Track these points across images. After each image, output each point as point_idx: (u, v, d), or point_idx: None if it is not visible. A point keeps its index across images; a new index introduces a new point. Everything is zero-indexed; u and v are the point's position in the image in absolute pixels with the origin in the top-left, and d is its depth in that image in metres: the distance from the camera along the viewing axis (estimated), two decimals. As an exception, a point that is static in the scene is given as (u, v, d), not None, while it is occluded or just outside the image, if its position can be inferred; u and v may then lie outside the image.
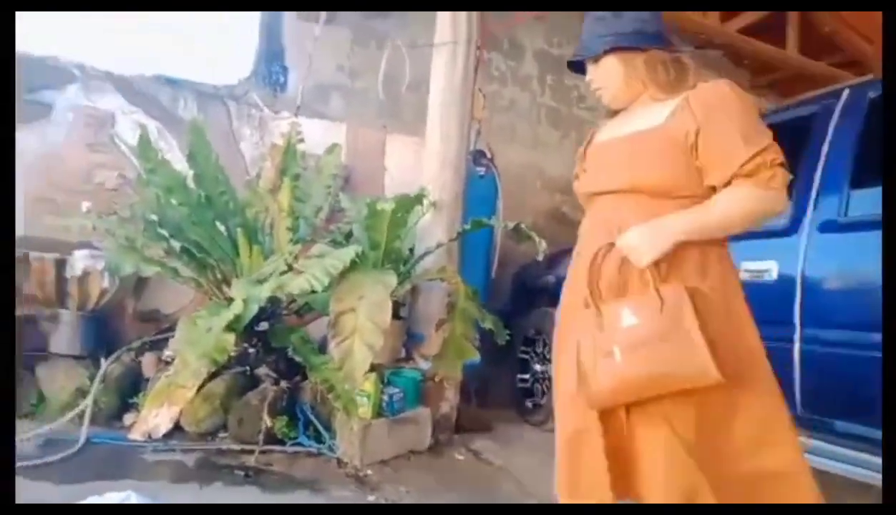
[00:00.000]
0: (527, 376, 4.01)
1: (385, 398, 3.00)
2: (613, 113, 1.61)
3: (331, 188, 3.83)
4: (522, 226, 3.22)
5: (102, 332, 3.60)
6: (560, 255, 3.75)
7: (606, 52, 1.50)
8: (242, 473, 2.72)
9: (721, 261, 1.44)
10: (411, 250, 3.46)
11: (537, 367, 3.94)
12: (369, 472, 2.84)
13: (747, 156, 1.33)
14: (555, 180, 5.05)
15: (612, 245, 1.43)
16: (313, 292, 2.67)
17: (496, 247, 3.89)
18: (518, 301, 4.13)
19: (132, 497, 2.08)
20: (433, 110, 3.53)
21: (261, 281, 3.17)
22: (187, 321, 2.86)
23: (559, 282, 3.75)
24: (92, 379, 3.35)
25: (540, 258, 3.23)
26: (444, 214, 3.34)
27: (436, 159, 3.48)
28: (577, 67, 1.63)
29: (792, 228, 2.44)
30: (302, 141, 3.72)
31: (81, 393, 3.30)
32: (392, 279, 2.72)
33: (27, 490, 2.38)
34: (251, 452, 2.94)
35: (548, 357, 3.84)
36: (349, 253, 2.68)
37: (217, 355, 2.76)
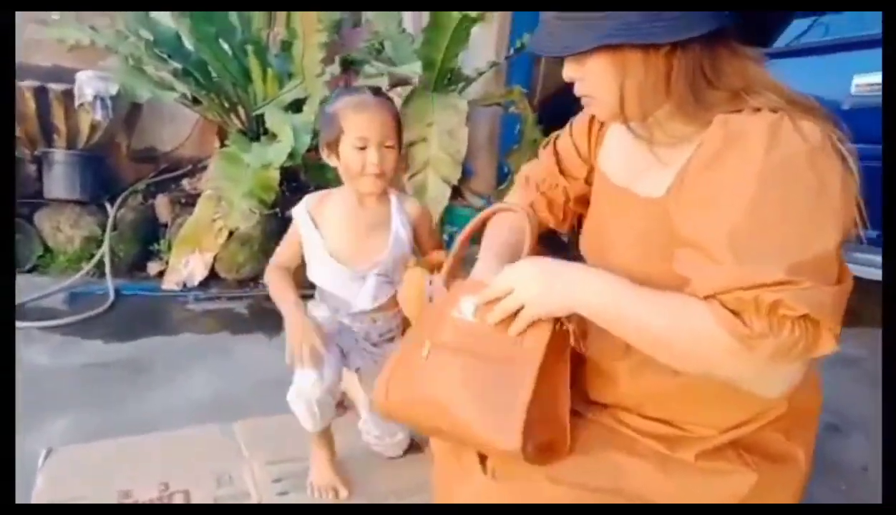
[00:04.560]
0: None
1: (446, 238, 2.79)
2: None
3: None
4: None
5: (100, 174, 3.15)
6: None
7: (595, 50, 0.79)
8: (308, 320, 2.53)
9: None
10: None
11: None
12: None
13: (736, 283, 0.72)
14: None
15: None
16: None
17: (540, 68, 3.49)
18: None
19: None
20: None
21: (287, 109, 2.80)
22: (223, 157, 2.50)
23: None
24: (102, 226, 2.98)
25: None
26: (494, 26, 2.91)
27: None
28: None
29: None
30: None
31: (93, 242, 2.95)
32: (462, 104, 2.40)
33: (75, 350, 2.14)
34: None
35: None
36: (414, 70, 2.30)
37: (263, 194, 2.46)
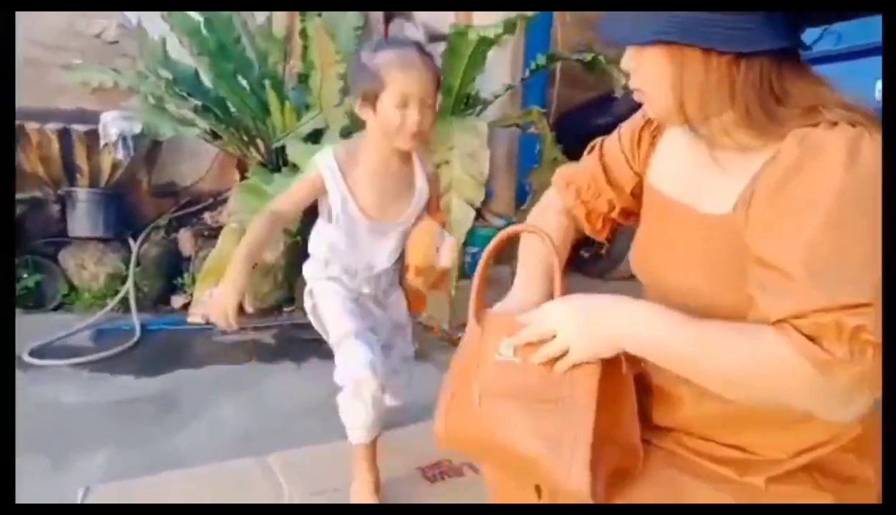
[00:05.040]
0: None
1: (468, 258, 2.78)
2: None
3: (360, 29, 3.32)
4: (601, 58, 2.84)
5: (122, 210, 3.18)
6: (603, 100, 3.42)
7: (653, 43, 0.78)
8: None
9: None
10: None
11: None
12: (461, 336, 2.68)
13: (814, 305, 0.68)
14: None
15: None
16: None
17: (555, 89, 3.50)
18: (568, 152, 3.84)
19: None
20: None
21: (306, 140, 2.82)
22: (245, 189, 2.51)
23: (616, 124, 3.50)
24: (125, 262, 3.00)
25: (618, 95, 2.89)
26: (507, 50, 2.93)
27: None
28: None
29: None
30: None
31: (117, 278, 2.97)
32: (482, 126, 2.40)
33: (104, 387, 2.14)
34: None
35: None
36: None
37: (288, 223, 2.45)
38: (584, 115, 3.80)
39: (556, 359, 0.84)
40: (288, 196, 1.37)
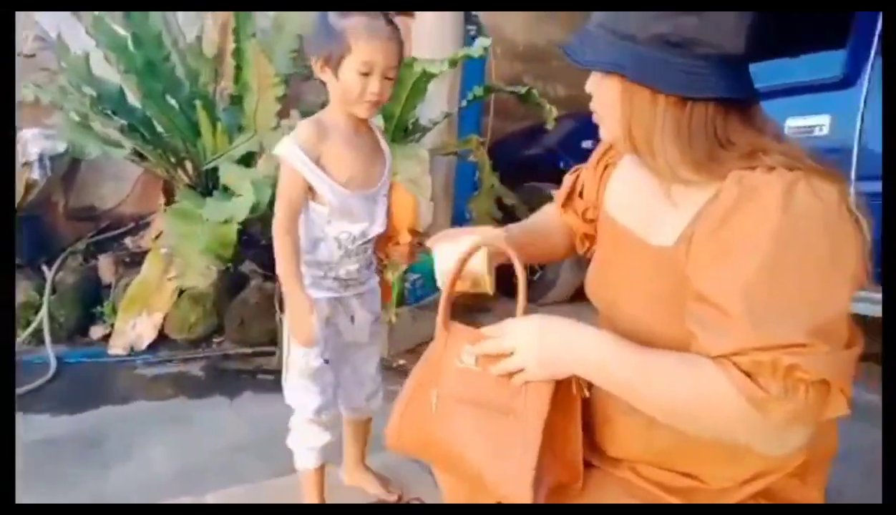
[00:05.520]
0: (511, 253, 3.88)
1: (407, 285, 2.77)
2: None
3: (297, 53, 3.29)
4: (534, 91, 2.93)
5: (36, 235, 2.97)
6: (535, 130, 3.53)
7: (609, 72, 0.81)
8: (271, 377, 2.42)
9: None
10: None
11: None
12: (402, 362, 2.65)
13: (752, 344, 0.70)
14: (515, 46, 4.71)
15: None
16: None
17: (489, 118, 3.58)
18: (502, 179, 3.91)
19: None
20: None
21: (238, 163, 2.75)
22: (174, 214, 2.40)
23: (546, 154, 3.57)
24: (39, 290, 2.80)
25: (549, 126, 2.98)
26: (445, 80, 2.97)
27: (428, 15, 3.05)
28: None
29: (851, 78, 2.35)
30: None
31: (30, 308, 2.76)
32: (424, 153, 2.41)
33: (20, 426, 1.97)
34: (263, 354, 2.63)
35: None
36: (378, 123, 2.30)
37: (221, 250, 2.37)
38: (517, 144, 3.91)
39: (514, 372, 0.87)
40: (282, 200, 1.27)
